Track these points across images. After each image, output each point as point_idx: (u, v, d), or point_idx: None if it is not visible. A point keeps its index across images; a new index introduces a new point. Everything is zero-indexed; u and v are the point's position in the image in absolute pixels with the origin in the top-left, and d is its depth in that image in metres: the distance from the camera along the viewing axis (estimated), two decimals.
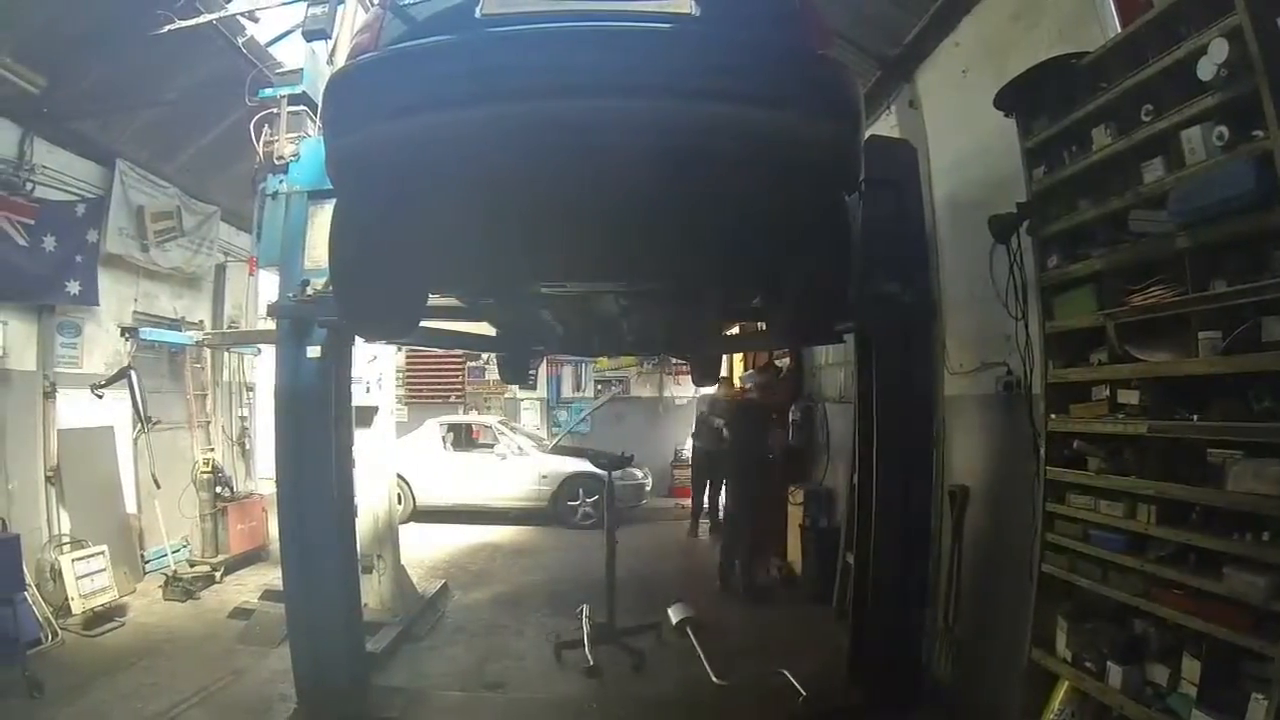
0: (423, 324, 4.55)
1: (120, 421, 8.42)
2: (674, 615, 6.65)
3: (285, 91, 6.78)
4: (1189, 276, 2.98)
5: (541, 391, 16.49)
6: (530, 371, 9.16)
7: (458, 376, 16.62)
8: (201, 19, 7.08)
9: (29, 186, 7.16)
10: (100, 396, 7.97)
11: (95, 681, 5.76)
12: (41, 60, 6.67)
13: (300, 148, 5.90)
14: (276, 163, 6.10)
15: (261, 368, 10.92)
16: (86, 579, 7.00)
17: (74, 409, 7.77)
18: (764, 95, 2.70)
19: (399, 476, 9.69)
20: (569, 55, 2.69)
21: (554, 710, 5.58)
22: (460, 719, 5.45)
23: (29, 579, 6.46)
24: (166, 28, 6.87)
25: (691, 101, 2.63)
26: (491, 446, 13.19)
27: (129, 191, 8.38)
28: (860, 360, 5.60)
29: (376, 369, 7.36)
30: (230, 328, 10.32)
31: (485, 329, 6.31)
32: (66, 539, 7.26)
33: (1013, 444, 4.65)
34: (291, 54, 7.98)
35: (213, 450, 9.46)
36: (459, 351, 14.72)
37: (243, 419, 11.06)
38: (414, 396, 16.11)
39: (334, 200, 3.59)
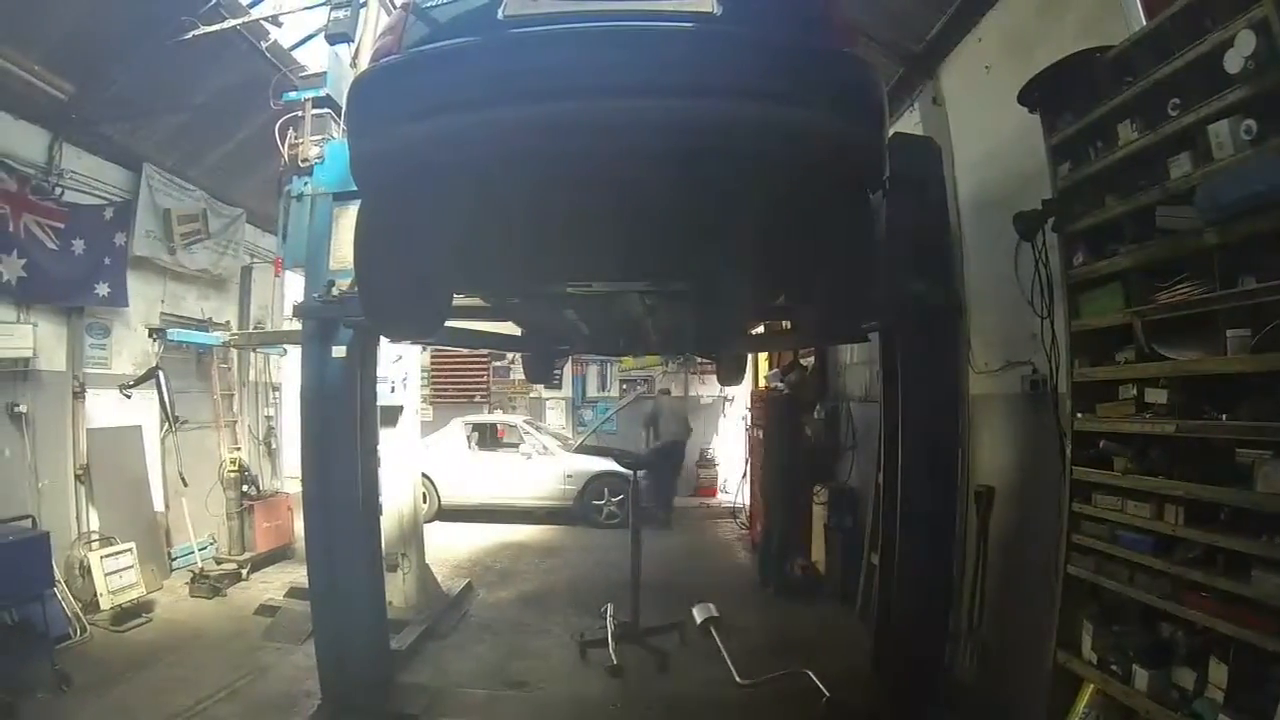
0: (448, 323, 4.57)
1: (148, 421, 8.55)
2: (698, 615, 6.65)
3: (309, 95, 6.84)
4: (1217, 273, 2.93)
5: (566, 391, 16.50)
6: (555, 371, 9.17)
7: (483, 376, 16.68)
8: (225, 24, 7.15)
9: (58, 191, 7.30)
10: (129, 396, 8.08)
11: (122, 676, 5.85)
12: (70, 68, 6.79)
13: (324, 150, 5.94)
14: (301, 165, 6.15)
15: (287, 368, 11.02)
16: (115, 575, 7.12)
17: (103, 409, 7.90)
18: (786, 93, 2.68)
19: (424, 475, 9.72)
20: (590, 56, 2.69)
21: (577, 709, 5.59)
22: (483, 717, 5.46)
23: (58, 575, 6.56)
24: (191, 34, 6.96)
25: (713, 100, 2.62)
26: (516, 446, 13.19)
27: (156, 195, 8.50)
28: (885, 359, 5.56)
29: (401, 369, 7.40)
30: (256, 328, 10.42)
31: (510, 329, 6.32)
32: (95, 536, 7.38)
33: (1038, 444, 4.60)
34: (315, 58, 8.12)
35: (239, 449, 9.56)
36: (484, 351, 14.76)
37: (269, 418, 11.18)
38: (439, 396, 16.16)
39: (358, 202, 3.62)
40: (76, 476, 7.50)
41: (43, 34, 6.48)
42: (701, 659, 6.23)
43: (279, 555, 9.39)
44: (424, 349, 11.44)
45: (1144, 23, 3.54)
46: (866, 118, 2.89)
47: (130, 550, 7.40)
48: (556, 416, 16.55)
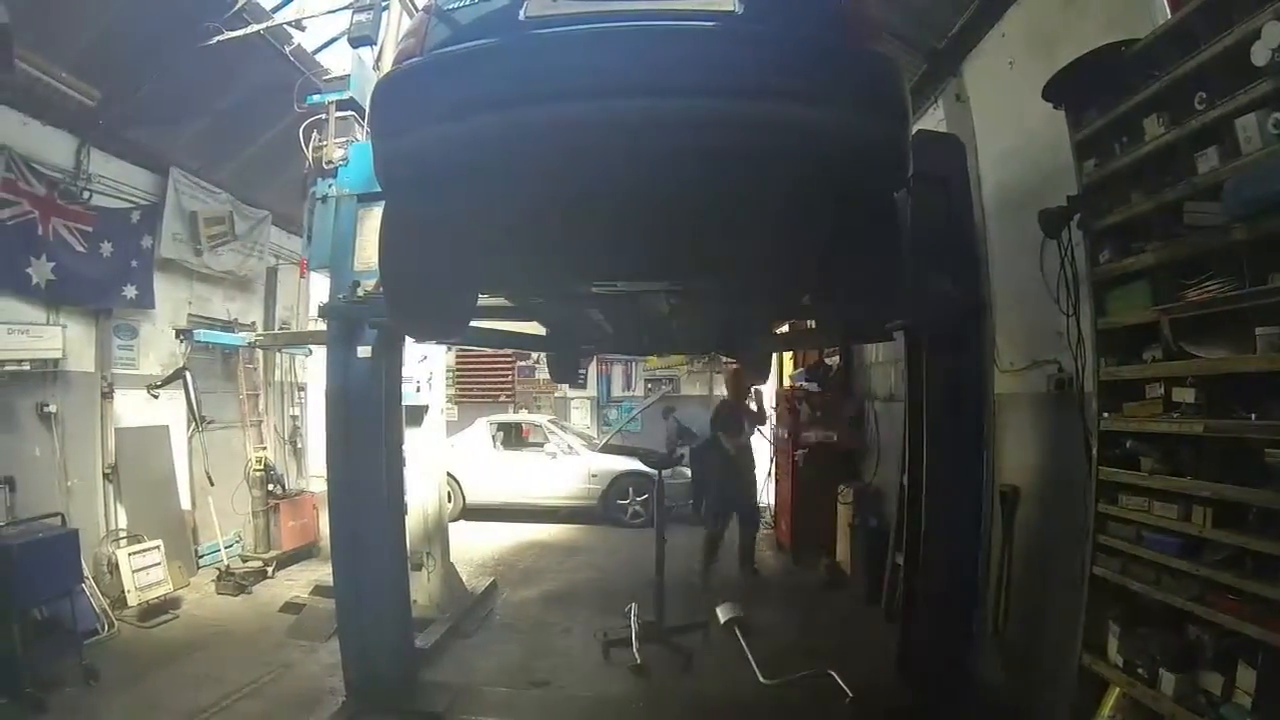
0: (472, 324, 4.58)
1: (175, 420, 8.67)
2: (722, 615, 6.64)
3: (333, 98, 6.91)
4: (1246, 270, 2.88)
5: (591, 390, 16.55)
6: (580, 370, 9.20)
7: (508, 375, 16.75)
8: (249, 29, 7.24)
9: (86, 195, 7.42)
10: (156, 396, 8.21)
11: (149, 671, 5.94)
12: (97, 74, 6.89)
13: (349, 152, 6.00)
14: (325, 167, 6.22)
15: (313, 368, 11.13)
16: (142, 572, 7.25)
17: (131, 409, 8.03)
18: (808, 92, 2.66)
19: (449, 475, 9.77)
20: (612, 56, 2.68)
21: (600, 708, 5.60)
22: (507, 715, 5.48)
23: (87, 572, 6.67)
24: (216, 39, 7.07)
25: (735, 100, 2.61)
26: (541, 445, 13.23)
27: (182, 198, 8.60)
28: (910, 358, 5.53)
29: (426, 368, 7.43)
30: (282, 329, 10.51)
31: (535, 328, 6.34)
32: (123, 533, 7.52)
33: (1064, 443, 4.55)
34: (338, 61, 8.18)
35: (265, 449, 9.63)
36: (509, 351, 14.79)
37: (294, 418, 11.29)
38: (464, 396, 16.24)
39: (383, 203, 3.64)
40: (105, 475, 7.62)
41: (70, 42, 6.57)
42: (725, 658, 6.22)
43: (304, 553, 9.47)
44: (449, 349, 11.47)
45: (1168, 16, 3.48)
46: (889, 115, 2.87)
47: (157, 548, 7.52)
48: (581, 416, 16.58)
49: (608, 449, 13.18)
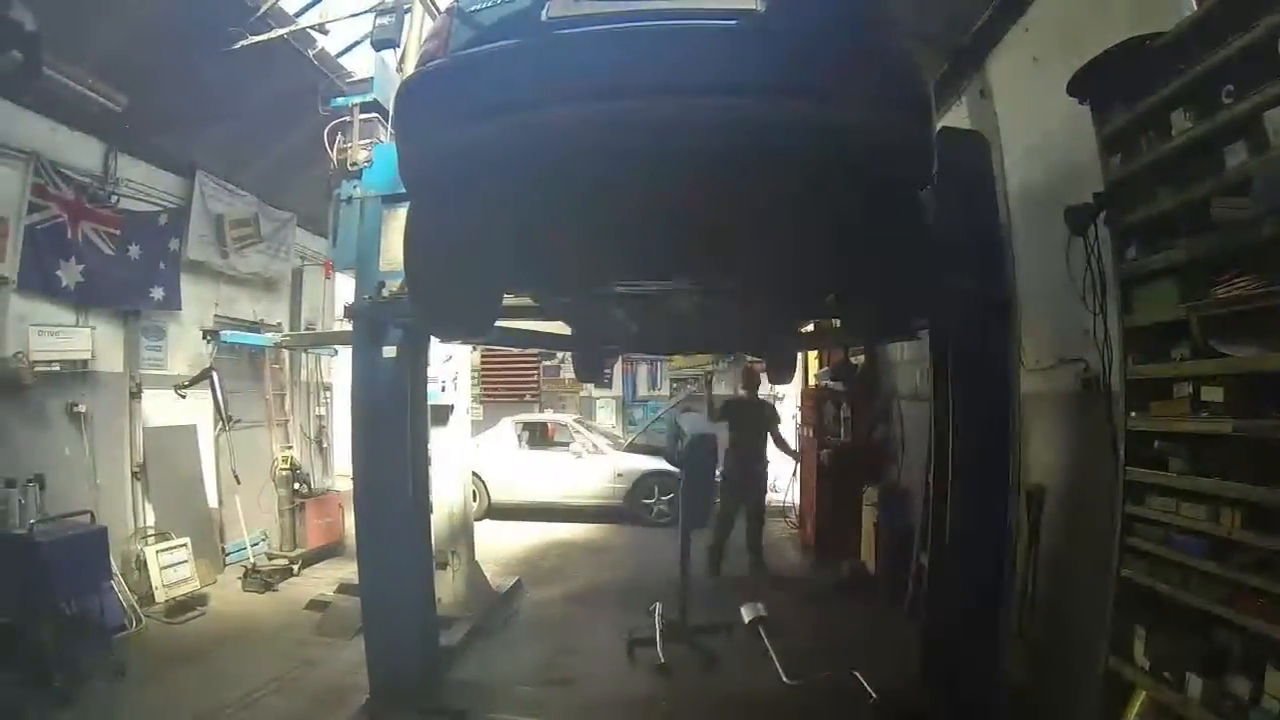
0: (498, 323, 4.59)
1: (202, 420, 8.76)
2: (746, 614, 6.61)
3: (356, 100, 6.94)
4: (1276, 266, 2.84)
5: (617, 390, 16.51)
6: (605, 370, 9.17)
7: (533, 375, 16.78)
8: (273, 34, 7.31)
9: (114, 199, 7.53)
10: (183, 396, 8.28)
11: (175, 667, 6.03)
12: (123, 79, 6.97)
13: (373, 154, 6.03)
14: (350, 169, 6.24)
15: (338, 368, 11.19)
16: (170, 569, 7.36)
17: (159, 408, 8.13)
18: (829, 90, 2.66)
19: (474, 474, 9.79)
20: (633, 56, 2.69)
21: (624, 707, 5.60)
22: (531, 714, 5.48)
23: (115, 569, 6.80)
24: (240, 44, 7.16)
25: (756, 98, 2.61)
26: (567, 445, 13.22)
27: (208, 200, 8.70)
28: (936, 357, 5.48)
29: (452, 368, 7.47)
30: (308, 329, 10.62)
31: (560, 328, 6.34)
32: (151, 531, 7.63)
33: (1091, 443, 4.48)
34: (361, 63, 8.23)
35: (291, 448, 9.74)
36: (534, 350, 14.81)
37: (320, 418, 11.38)
38: (489, 395, 16.27)
39: (407, 204, 3.66)
40: (133, 474, 7.73)
41: (97, 49, 6.67)
42: (749, 658, 6.18)
43: (330, 552, 9.53)
44: (474, 348, 11.51)
45: (1194, 8, 3.44)
46: (912, 112, 2.86)
47: (185, 545, 7.63)
48: (607, 415, 16.58)
49: (634, 448, 13.17)
